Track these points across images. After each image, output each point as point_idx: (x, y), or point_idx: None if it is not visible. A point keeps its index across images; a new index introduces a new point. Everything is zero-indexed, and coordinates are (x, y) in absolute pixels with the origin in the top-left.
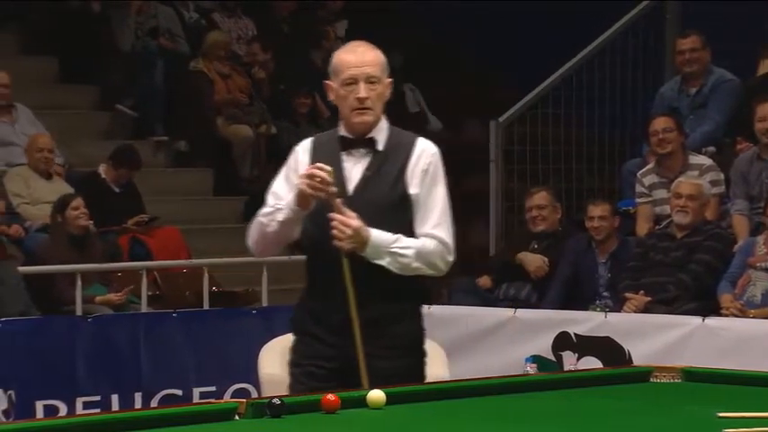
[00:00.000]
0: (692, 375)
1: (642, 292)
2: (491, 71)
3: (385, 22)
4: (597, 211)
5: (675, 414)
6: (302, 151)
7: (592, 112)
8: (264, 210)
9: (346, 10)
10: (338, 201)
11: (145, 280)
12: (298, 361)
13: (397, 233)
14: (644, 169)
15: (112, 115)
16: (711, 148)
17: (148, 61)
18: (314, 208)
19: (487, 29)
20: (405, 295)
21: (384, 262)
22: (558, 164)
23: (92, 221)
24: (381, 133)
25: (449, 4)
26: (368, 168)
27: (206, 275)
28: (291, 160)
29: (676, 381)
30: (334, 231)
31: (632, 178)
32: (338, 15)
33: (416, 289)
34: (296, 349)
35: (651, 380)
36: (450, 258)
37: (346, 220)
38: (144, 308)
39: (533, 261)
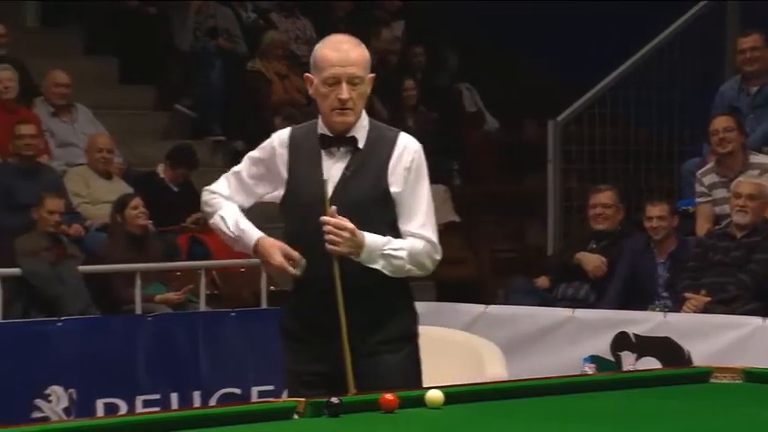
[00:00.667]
0: (752, 376)
1: (703, 292)
2: (549, 70)
3: (442, 21)
4: (656, 211)
5: (736, 415)
6: (279, 144)
7: (650, 111)
8: (216, 193)
9: (403, 10)
10: (332, 208)
11: (203, 279)
12: (291, 367)
13: (379, 232)
14: (704, 169)
15: (171, 115)
16: None
17: (207, 61)
18: (302, 211)
19: (545, 28)
20: (395, 292)
21: (378, 265)
22: (617, 163)
23: (151, 221)
24: (362, 131)
25: (506, 3)
26: (347, 167)
27: (263, 275)
28: (266, 149)
29: (737, 381)
30: (329, 236)
31: (692, 178)
32: (395, 15)
33: (405, 285)
34: (289, 353)
35: (711, 381)
36: (438, 257)
37: (342, 224)
38: (202, 307)
39: (592, 261)
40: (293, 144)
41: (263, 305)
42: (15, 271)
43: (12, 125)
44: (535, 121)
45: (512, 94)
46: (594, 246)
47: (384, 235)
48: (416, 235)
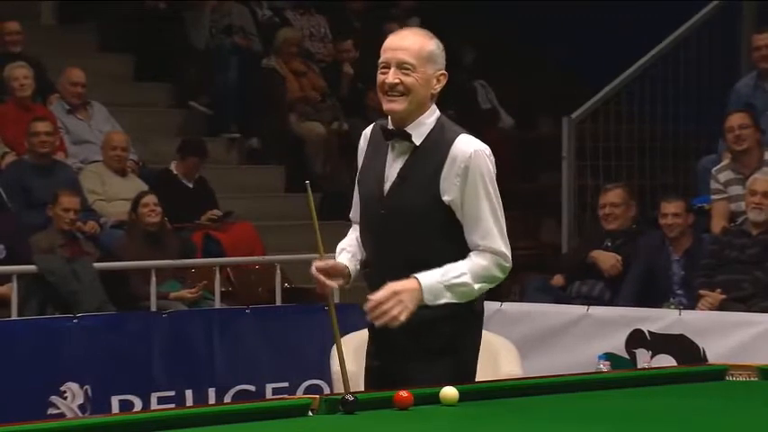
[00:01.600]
0: None
1: (718, 289)
2: (564, 68)
3: (457, 19)
4: (671, 208)
5: (751, 413)
6: (363, 139)
7: (666, 108)
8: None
9: (418, 7)
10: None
11: (218, 276)
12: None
13: (432, 240)
14: (719, 165)
15: (187, 113)
16: None
17: (222, 59)
18: (363, 206)
19: (560, 25)
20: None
21: (446, 299)
22: (632, 161)
23: (165, 218)
24: (421, 128)
25: (521, 2)
26: (403, 168)
27: (278, 272)
28: (358, 150)
29: (752, 379)
30: (380, 320)
31: (707, 175)
32: (410, 13)
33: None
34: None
35: (727, 378)
36: (508, 265)
37: (379, 299)
38: (217, 304)
39: (607, 259)
40: (372, 138)
41: (278, 302)
42: (31, 268)
43: (28, 122)
44: (550, 118)
45: (526, 91)
46: (609, 244)
47: (438, 244)
48: (480, 246)
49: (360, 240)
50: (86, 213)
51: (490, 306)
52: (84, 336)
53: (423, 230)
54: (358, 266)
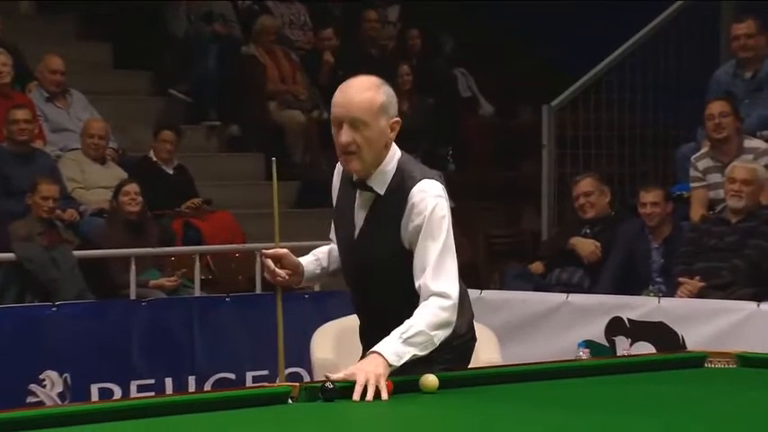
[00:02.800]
0: (747, 361)
1: (697, 277)
2: (543, 56)
3: (437, 7)
4: (649, 197)
5: (730, 400)
6: (336, 173)
7: (645, 96)
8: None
9: None
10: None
11: (198, 264)
12: None
13: (398, 285)
14: (698, 153)
15: (166, 100)
16: (767, 132)
17: (202, 47)
18: (340, 246)
19: (540, 13)
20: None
21: (410, 355)
22: (612, 149)
23: (145, 206)
24: (381, 177)
25: None
26: (367, 217)
27: (258, 260)
28: (333, 177)
29: (731, 366)
30: (364, 397)
31: (686, 163)
32: (390, 1)
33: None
34: None
35: (705, 366)
36: (449, 302)
37: (358, 380)
38: (197, 292)
39: (586, 246)
40: (343, 177)
41: (258, 290)
42: (10, 256)
43: (6, 110)
44: (530, 106)
45: (507, 79)
46: (588, 231)
47: (409, 291)
48: (421, 291)
49: (330, 257)
50: (65, 201)
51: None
52: (64, 324)
53: (391, 278)
54: (318, 271)
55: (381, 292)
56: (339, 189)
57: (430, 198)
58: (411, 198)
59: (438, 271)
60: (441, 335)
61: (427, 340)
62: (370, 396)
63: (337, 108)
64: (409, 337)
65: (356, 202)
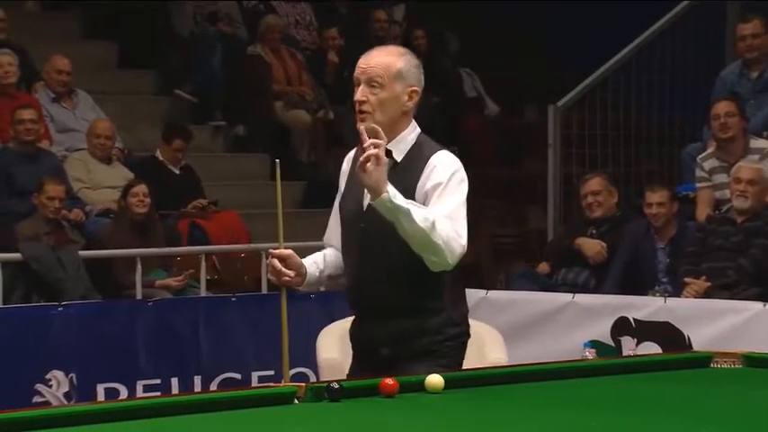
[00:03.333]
0: (753, 361)
1: (703, 277)
2: (550, 55)
3: (442, 7)
4: (655, 197)
5: (736, 400)
6: (346, 161)
7: (651, 96)
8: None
9: None
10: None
11: (204, 264)
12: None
13: (407, 251)
14: (704, 154)
15: (171, 100)
16: None
17: (207, 46)
18: (344, 226)
19: (546, 13)
20: (424, 312)
21: (406, 207)
22: (617, 148)
23: (153, 207)
24: (401, 144)
25: None
26: None
27: (264, 260)
28: (341, 171)
29: (737, 366)
30: (367, 152)
31: (692, 163)
32: (396, 0)
33: (433, 301)
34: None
35: (711, 366)
36: (461, 243)
37: (381, 156)
38: (203, 292)
39: (592, 246)
40: (354, 159)
41: (264, 290)
42: (16, 256)
43: (12, 110)
44: (536, 105)
45: (512, 79)
46: (594, 231)
47: (416, 255)
48: (442, 215)
49: (325, 260)
50: (71, 201)
51: (476, 294)
52: (70, 324)
53: (401, 241)
54: (317, 274)
55: (382, 265)
56: (349, 171)
57: (451, 164)
58: (431, 163)
59: (455, 218)
60: (435, 247)
61: (427, 221)
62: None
63: (358, 69)
64: (415, 208)
65: None
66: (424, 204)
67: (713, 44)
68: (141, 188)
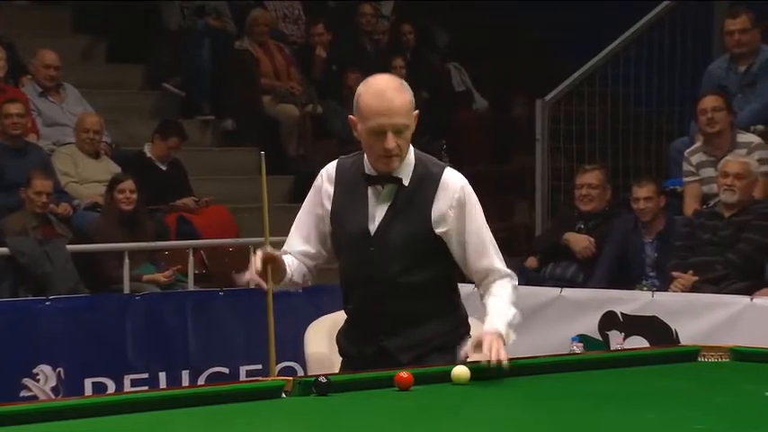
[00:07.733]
0: (740, 355)
1: (691, 271)
2: (537, 50)
3: (431, 1)
4: (642, 192)
5: (723, 394)
6: (327, 180)
7: (638, 90)
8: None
9: None
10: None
11: (192, 259)
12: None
13: (425, 270)
14: (691, 148)
15: (160, 94)
16: (760, 127)
17: (195, 40)
18: (350, 247)
19: (534, 7)
20: (440, 316)
21: (513, 334)
22: (605, 143)
23: (140, 203)
24: (407, 168)
25: None
26: (392, 206)
27: (252, 254)
28: (315, 188)
29: (724, 360)
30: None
31: (680, 157)
32: None
33: (449, 309)
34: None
35: (699, 359)
36: (516, 282)
37: (496, 342)
38: (191, 286)
39: (580, 241)
40: (340, 178)
41: (252, 285)
42: (4, 250)
43: None
44: (523, 100)
45: (500, 73)
46: (582, 226)
47: (426, 272)
48: (493, 271)
49: (293, 265)
50: (59, 195)
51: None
52: (57, 318)
53: (412, 260)
54: (289, 278)
55: (398, 282)
56: (335, 191)
57: (463, 184)
58: (443, 183)
59: (498, 252)
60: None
61: (513, 297)
62: (494, 357)
63: (381, 118)
64: (510, 321)
65: (370, 198)
66: (443, 222)
67: (701, 38)
68: (128, 184)
